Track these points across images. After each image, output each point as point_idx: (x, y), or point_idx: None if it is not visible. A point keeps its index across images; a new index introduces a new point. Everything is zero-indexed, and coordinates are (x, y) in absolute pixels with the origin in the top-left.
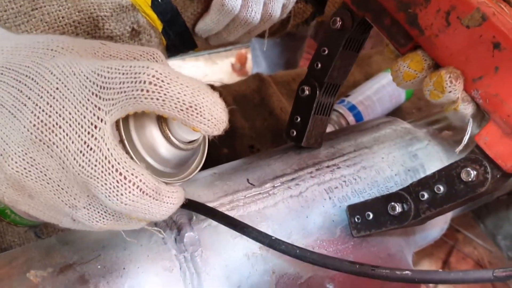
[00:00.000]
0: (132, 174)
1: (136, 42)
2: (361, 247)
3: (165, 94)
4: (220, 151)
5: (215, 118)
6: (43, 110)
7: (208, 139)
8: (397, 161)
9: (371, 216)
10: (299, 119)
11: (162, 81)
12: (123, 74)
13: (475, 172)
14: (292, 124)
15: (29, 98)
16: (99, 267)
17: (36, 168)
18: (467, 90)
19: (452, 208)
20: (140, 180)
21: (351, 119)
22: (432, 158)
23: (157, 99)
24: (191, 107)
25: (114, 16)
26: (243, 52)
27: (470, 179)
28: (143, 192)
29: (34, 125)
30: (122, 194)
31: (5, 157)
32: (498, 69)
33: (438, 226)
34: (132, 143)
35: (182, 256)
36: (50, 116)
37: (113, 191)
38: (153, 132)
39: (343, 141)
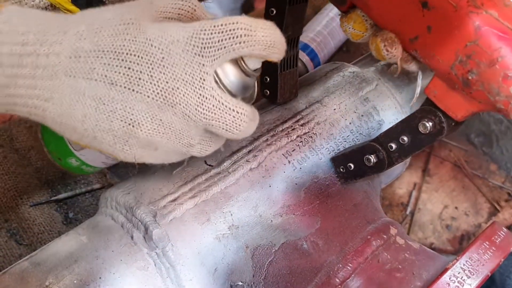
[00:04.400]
0: (242, 108)
1: None
2: (327, 204)
3: (255, 40)
4: None
5: (283, 46)
6: (159, 79)
7: None
8: (350, 109)
9: (353, 166)
10: (268, 80)
11: (251, 30)
12: (219, 33)
13: (431, 123)
14: (263, 84)
15: (141, 72)
16: (75, 281)
17: (164, 126)
18: (407, 50)
19: (422, 150)
20: (246, 111)
21: (306, 59)
22: (383, 98)
23: (250, 46)
24: (271, 45)
25: None
26: None
27: (428, 131)
28: (250, 119)
29: (158, 93)
30: (239, 125)
31: (136, 126)
32: (431, 28)
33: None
34: (223, 83)
35: (154, 253)
36: (167, 82)
37: (232, 126)
38: (234, 69)
39: (293, 99)
